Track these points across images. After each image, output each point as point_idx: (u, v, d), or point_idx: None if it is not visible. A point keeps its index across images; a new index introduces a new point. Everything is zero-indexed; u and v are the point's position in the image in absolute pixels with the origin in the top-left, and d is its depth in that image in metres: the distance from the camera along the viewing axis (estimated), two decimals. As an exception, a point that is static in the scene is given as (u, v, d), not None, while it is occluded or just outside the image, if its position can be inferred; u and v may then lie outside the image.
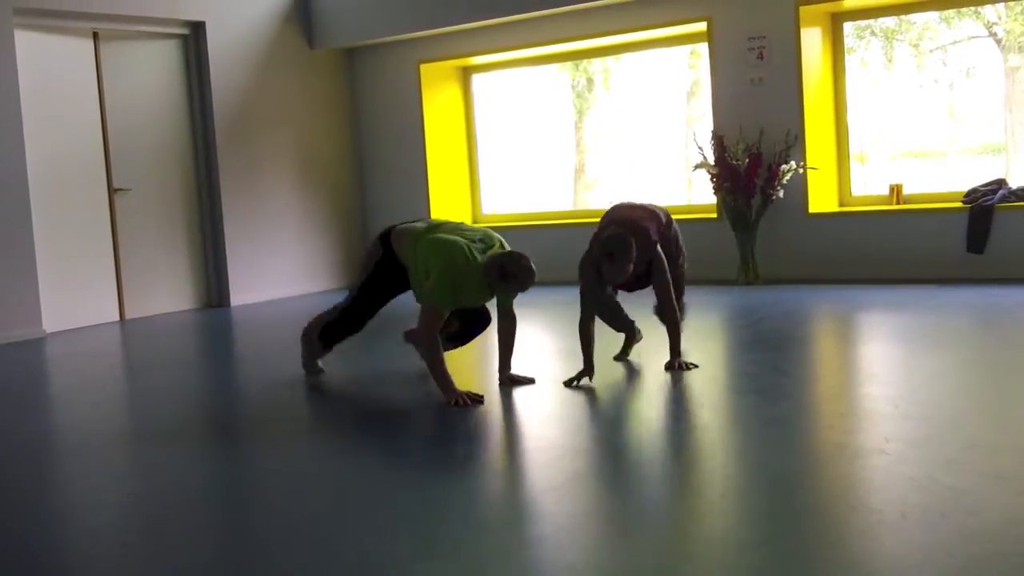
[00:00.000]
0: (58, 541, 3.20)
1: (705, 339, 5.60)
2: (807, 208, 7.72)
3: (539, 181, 10.09)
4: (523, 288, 4.60)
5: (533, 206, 9.61)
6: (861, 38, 8.28)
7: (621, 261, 4.61)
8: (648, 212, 5.00)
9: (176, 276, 8.67)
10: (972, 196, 7.29)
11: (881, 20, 8.09)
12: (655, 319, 5.13)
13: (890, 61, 8.25)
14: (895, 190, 7.72)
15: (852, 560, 2.60)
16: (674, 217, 5.25)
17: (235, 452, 4.16)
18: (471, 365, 5.41)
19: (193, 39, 8.68)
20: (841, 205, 7.96)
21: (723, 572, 2.62)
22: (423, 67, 9.35)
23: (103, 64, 8.19)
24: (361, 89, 9.80)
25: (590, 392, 4.59)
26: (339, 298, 5.56)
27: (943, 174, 8.15)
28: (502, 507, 3.23)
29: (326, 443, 4.30)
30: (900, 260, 7.41)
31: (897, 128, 8.36)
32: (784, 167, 7.52)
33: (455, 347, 5.16)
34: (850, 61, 8.05)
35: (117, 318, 8.25)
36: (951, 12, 7.90)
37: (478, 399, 4.46)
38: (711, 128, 7.99)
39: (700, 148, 7.92)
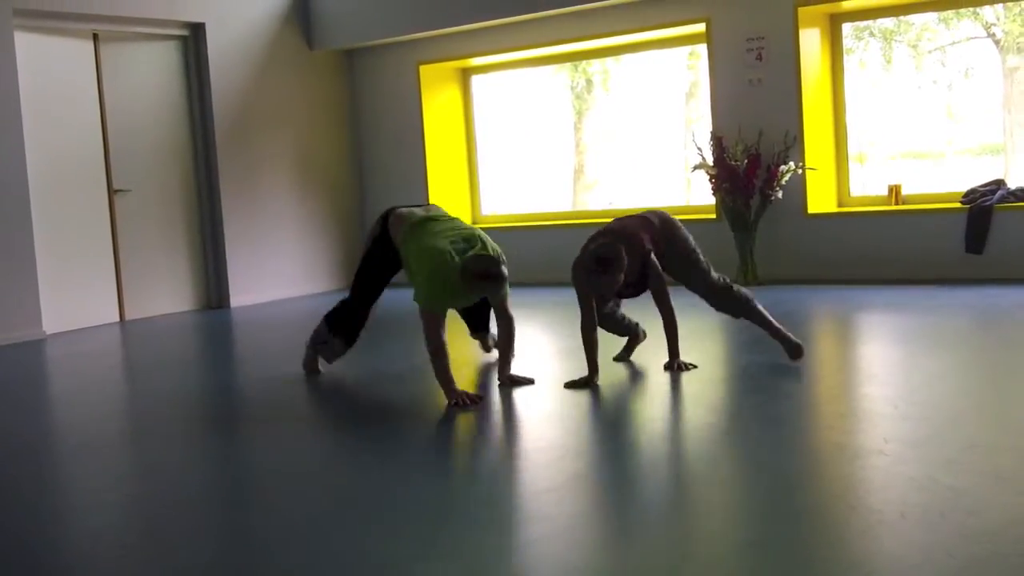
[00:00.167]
0: (58, 542, 3.20)
1: (704, 339, 5.60)
2: (806, 209, 7.73)
3: (538, 182, 10.10)
4: (496, 288, 4.64)
5: (532, 207, 9.62)
6: (860, 39, 8.29)
7: (611, 271, 4.59)
8: (639, 220, 4.94)
9: (176, 277, 8.67)
10: (971, 197, 7.30)
11: (880, 21, 8.10)
12: (656, 320, 5.09)
13: (889, 62, 8.25)
14: (894, 191, 7.72)
15: (852, 560, 2.60)
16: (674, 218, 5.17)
17: (235, 452, 4.16)
18: (471, 365, 5.41)
19: (193, 40, 8.69)
20: (840, 206, 7.97)
21: (723, 572, 2.62)
22: (422, 68, 9.36)
23: (103, 65, 8.19)
24: (360, 90, 9.81)
25: (590, 393, 4.59)
26: (339, 299, 5.56)
27: (942, 175, 8.16)
28: (502, 508, 3.23)
29: (326, 443, 4.31)
30: (899, 261, 7.42)
31: (896, 129, 8.37)
32: (783, 168, 7.53)
33: (484, 335, 5.45)
34: (849, 62, 8.05)
35: (117, 319, 8.25)
36: (950, 13, 7.90)
37: (477, 399, 4.49)
38: (710, 129, 7.99)
39: (699, 149, 7.93)
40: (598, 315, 4.88)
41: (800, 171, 7.60)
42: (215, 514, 3.40)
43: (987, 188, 7.30)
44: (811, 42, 7.75)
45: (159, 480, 3.82)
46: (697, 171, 7.97)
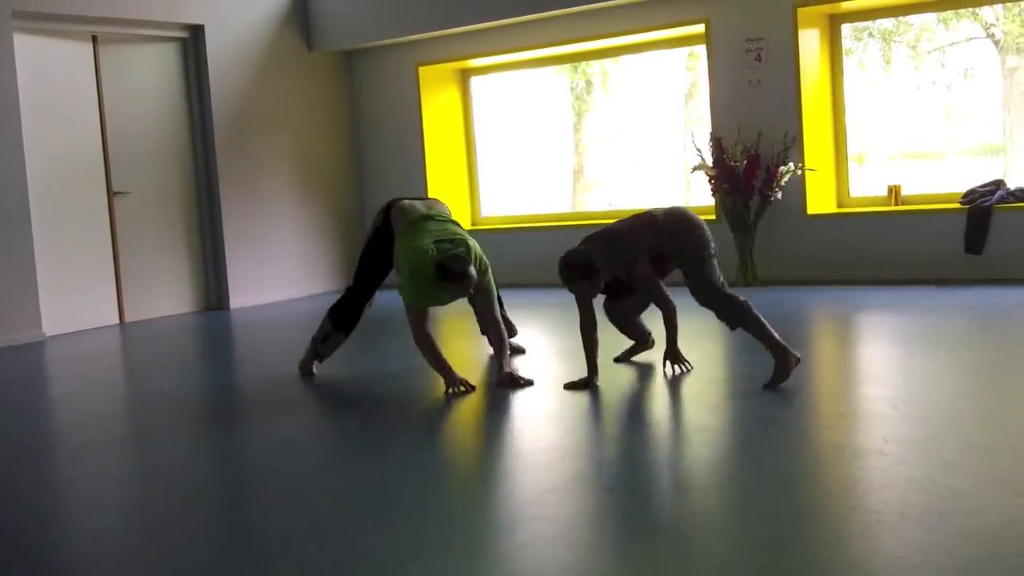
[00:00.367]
0: (58, 543, 3.20)
1: (704, 340, 5.61)
2: (805, 209, 7.73)
3: (538, 183, 10.10)
4: (462, 289, 4.68)
5: (532, 208, 9.62)
6: (859, 40, 8.29)
7: (588, 277, 4.59)
8: (637, 220, 4.86)
9: (175, 279, 8.67)
10: (970, 197, 7.30)
11: (879, 22, 8.10)
12: (657, 320, 5.07)
13: (888, 63, 8.26)
14: (893, 191, 7.73)
15: (851, 560, 2.61)
16: (690, 216, 4.93)
17: (235, 453, 4.17)
18: (470, 365, 5.41)
19: (192, 42, 8.69)
20: (839, 206, 7.97)
21: (723, 572, 2.62)
22: (422, 69, 9.36)
23: (102, 67, 8.19)
24: (360, 92, 9.81)
25: (589, 394, 4.59)
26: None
27: (941, 175, 8.16)
28: (502, 508, 3.24)
29: (326, 444, 4.31)
30: (898, 261, 7.42)
31: (895, 129, 8.38)
32: (782, 168, 7.53)
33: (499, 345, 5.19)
34: (848, 63, 8.06)
35: (117, 321, 8.25)
36: (949, 13, 7.91)
37: (471, 387, 4.67)
38: (709, 130, 8.00)
39: (698, 150, 7.93)
40: (617, 310, 4.88)
41: (799, 172, 7.60)
42: (215, 514, 3.40)
43: (986, 188, 7.31)
44: (810, 43, 7.76)
45: (159, 481, 3.82)
46: (696, 172, 7.97)
